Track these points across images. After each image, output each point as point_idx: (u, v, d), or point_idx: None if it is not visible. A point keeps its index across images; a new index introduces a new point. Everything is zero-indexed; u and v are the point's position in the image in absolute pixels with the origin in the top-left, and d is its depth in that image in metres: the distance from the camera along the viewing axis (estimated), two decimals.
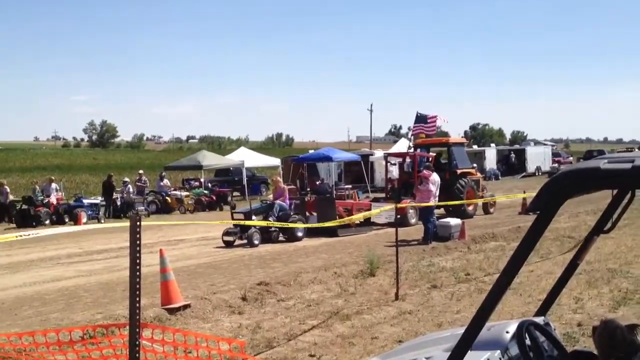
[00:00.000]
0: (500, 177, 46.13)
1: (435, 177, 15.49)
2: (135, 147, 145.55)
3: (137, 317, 3.12)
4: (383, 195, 22.44)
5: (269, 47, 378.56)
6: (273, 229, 15.54)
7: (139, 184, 28.36)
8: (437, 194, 15.56)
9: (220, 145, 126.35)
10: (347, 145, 71.61)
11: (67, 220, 22.70)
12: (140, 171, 30.97)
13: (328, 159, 30.07)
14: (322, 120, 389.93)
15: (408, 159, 22.02)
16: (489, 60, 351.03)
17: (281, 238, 15.95)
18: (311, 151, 39.71)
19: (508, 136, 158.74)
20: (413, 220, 18.13)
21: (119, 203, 25.33)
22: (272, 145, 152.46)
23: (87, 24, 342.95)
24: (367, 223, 17.57)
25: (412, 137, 23.92)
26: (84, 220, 22.28)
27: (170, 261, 9.16)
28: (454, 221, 15.42)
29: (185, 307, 8.35)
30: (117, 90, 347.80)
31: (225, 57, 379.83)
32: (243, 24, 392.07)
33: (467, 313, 7.96)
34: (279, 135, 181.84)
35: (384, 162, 23.73)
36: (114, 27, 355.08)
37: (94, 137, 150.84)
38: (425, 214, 14.87)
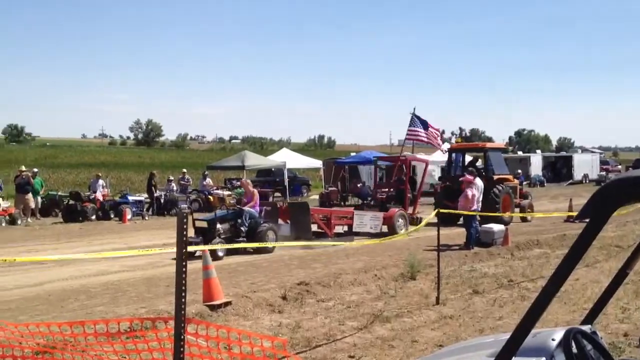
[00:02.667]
0: (545, 184, 45.35)
1: (478, 181, 15.29)
2: (179, 146, 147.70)
3: (183, 312, 3.17)
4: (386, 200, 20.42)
5: (312, 49, 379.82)
6: (241, 238, 14.13)
7: (183, 182, 28.80)
8: (481, 199, 15.36)
9: (263, 146, 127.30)
10: (388, 149, 71.28)
11: (112, 216, 23.19)
12: (184, 170, 31.47)
13: (369, 161, 30.02)
14: (364, 123, 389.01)
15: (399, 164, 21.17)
16: (535, 65, 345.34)
17: (249, 249, 14.12)
18: (353, 154, 39.71)
19: (554, 143, 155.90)
20: (402, 231, 16.91)
21: (162, 201, 25.76)
22: (314, 147, 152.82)
23: (132, 23, 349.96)
24: (349, 232, 16.59)
25: (405, 141, 22.11)
26: (129, 216, 22.71)
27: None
28: (497, 227, 15.20)
29: (226, 304, 8.44)
30: (162, 90, 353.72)
31: (269, 58, 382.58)
32: (288, 26, 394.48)
33: (509, 320, 7.84)
34: (321, 137, 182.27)
35: (426, 166, 23.24)
36: (160, 26, 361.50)
37: (140, 136, 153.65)
38: (467, 219, 14.70)
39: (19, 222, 21.58)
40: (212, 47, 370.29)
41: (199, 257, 12.26)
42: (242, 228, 14.32)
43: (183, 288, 3.23)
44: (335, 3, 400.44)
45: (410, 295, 9.50)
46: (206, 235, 13.78)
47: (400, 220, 17.59)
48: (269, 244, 13.41)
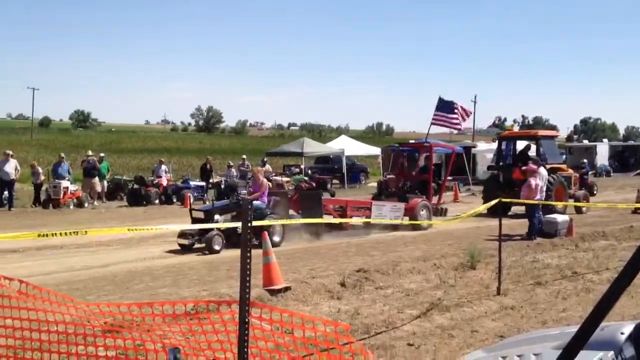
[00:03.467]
0: (612, 174, 43.92)
1: (542, 171, 14.93)
2: (238, 132, 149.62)
3: (247, 295, 3.22)
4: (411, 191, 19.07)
5: (370, 37, 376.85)
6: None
7: (242, 168, 29.20)
8: (545, 188, 15.00)
9: (321, 133, 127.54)
10: (448, 137, 70.29)
11: (174, 200, 23.76)
12: (244, 156, 31.90)
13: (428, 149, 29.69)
14: (423, 110, 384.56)
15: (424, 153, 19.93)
16: (601, 51, 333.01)
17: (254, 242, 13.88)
18: (412, 141, 39.39)
19: (622, 131, 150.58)
20: (425, 222, 15.88)
21: (222, 186, 26.19)
22: (372, 134, 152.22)
23: (195, 12, 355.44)
24: (366, 224, 15.53)
25: (430, 126, 20.88)
26: (191, 201, 23.20)
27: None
28: (560, 217, 14.83)
29: (286, 289, 8.54)
30: (223, 78, 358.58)
31: (326, 45, 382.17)
32: (348, 14, 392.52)
33: (573, 312, 7.66)
34: (379, 124, 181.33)
35: (486, 155, 22.65)
36: (221, 15, 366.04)
37: (201, 122, 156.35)
38: (530, 209, 14.36)
39: (86, 205, 22.34)
40: (271, 35, 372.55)
41: (198, 250, 12.50)
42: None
43: (248, 272, 3.28)
44: None
45: (470, 285, 9.38)
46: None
47: (423, 211, 16.51)
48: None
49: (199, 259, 11.90)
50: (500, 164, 20.75)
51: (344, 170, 33.34)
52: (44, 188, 22.72)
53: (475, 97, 72.78)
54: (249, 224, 3.37)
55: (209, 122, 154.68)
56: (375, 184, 31.58)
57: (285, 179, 28.58)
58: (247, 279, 3.29)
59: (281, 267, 9.17)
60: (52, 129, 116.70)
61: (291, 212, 15.10)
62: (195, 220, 12.82)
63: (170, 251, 12.75)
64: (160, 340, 3.61)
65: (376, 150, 36.74)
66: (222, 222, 12.62)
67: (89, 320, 4.74)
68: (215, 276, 10.06)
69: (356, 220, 15.08)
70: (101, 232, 8.96)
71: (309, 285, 8.88)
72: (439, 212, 17.55)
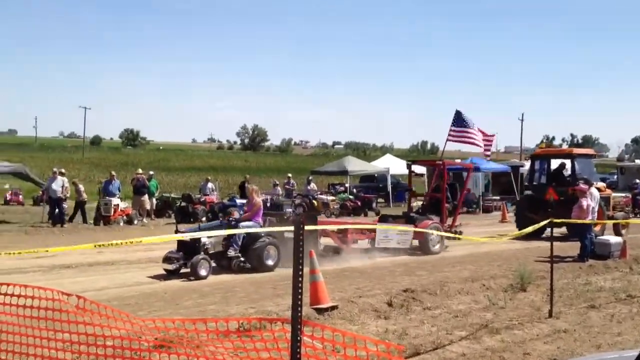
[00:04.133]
0: None
1: (594, 191, 14.61)
2: (283, 150, 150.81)
3: (299, 313, 3.24)
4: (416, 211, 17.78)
5: (414, 55, 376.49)
6: (232, 255, 12.32)
7: (287, 187, 29.38)
8: (597, 209, 14.64)
9: (365, 152, 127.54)
10: (495, 155, 69.40)
11: (221, 218, 24.00)
12: (289, 174, 32.09)
13: (475, 169, 29.37)
14: None
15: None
16: None
17: (247, 267, 12.51)
18: (457, 160, 39.02)
19: None
20: (436, 247, 15.19)
21: (268, 204, 26.37)
22: (417, 152, 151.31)
23: (240, 30, 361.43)
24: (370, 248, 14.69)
25: (446, 142, 18.65)
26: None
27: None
28: (614, 239, 14.46)
29: (333, 308, 8.53)
30: (268, 96, 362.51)
31: (372, 65, 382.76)
32: (393, 33, 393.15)
33: (629, 336, 7.45)
34: (424, 143, 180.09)
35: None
36: (265, 33, 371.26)
37: (246, 141, 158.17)
38: (581, 231, 14.03)
39: (136, 222, 22.76)
40: (318, 54, 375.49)
41: (184, 275, 11.51)
42: (233, 245, 12.38)
43: (300, 291, 3.31)
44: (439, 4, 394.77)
45: (521, 307, 9.20)
46: (189, 249, 11.73)
47: (433, 236, 14.97)
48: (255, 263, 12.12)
49: (244, 277, 11.97)
50: (534, 183, 20.17)
51: (389, 188, 33.22)
52: (92, 205, 23.26)
53: (523, 115, 71.95)
54: (300, 243, 3.39)
55: (254, 140, 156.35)
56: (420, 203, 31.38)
57: (330, 197, 28.67)
58: (299, 297, 3.31)
59: (327, 286, 9.16)
60: (103, 147, 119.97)
61: (287, 235, 12.85)
62: (180, 243, 11.88)
63: (219, 269, 12.83)
64: (214, 356, 3.65)
65: (421, 169, 36.50)
66: (210, 246, 12.04)
67: (141, 336, 4.84)
68: (262, 294, 10.11)
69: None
70: (153, 240, 9.18)
71: (355, 305, 8.85)
72: (454, 234, 15.40)
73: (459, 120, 18.07)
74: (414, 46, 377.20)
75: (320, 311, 8.34)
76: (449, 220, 16.55)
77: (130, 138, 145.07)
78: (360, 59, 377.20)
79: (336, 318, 8.23)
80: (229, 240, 12.28)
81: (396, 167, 35.09)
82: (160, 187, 28.57)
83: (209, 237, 11.89)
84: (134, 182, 24.96)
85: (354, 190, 31.68)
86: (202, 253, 11.73)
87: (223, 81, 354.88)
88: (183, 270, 11.76)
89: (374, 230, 14.57)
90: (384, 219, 17.10)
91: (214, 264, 12.12)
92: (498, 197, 31.69)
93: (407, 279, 11.45)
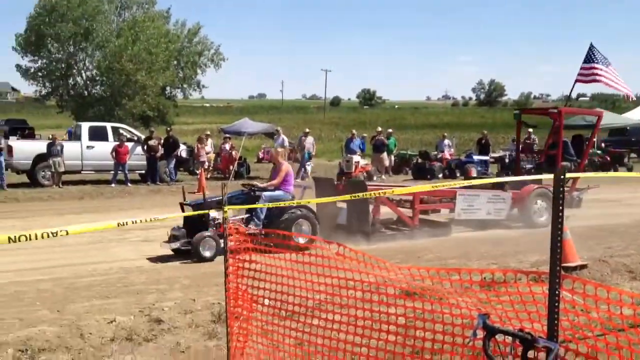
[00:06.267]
0: None
1: None
2: (522, 105, 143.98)
3: (558, 267, 3.13)
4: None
5: None
6: (255, 230, 9.65)
7: (528, 141, 28.08)
8: None
9: (614, 104, 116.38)
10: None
11: (457, 174, 23.89)
12: (530, 129, 30.60)
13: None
14: None
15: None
16: None
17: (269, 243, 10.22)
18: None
19: None
20: (543, 219, 12.26)
21: (507, 161, 25.58)
22: None
23: None
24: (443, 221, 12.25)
25: (575, 83, 15.62)
26: (474, 174, 23.10)
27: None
28: None
29: (582, 267, 8.10)
30: (507, 50, 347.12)
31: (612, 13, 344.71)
32: None
33: None
34: None
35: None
36: None
37: (482, 96, 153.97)
38: None
39: (374, 178, 23.56)
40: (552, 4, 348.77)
41: (186, 252, 9.67)
42: (255, 219, 10.17)
43: (559, 245, 3.19)
44: None
45: None
46: (195, 225, 9.72)
47: (539, 202, 12.59)
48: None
49: (477, 234, 11.78)
50: None
51: None
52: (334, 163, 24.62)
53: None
54: (561, 195, 3.25)
55: (490, 95, 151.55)
56: None
57: None
58: (558, 249, 3.20)
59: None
60: (342, 108, 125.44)
61: (339, 204, 11.63)
62: (186, 218, 10.08)
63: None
64: (467, 307, 3.67)
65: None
66: (219, 219, 9.58)
67: (387, 285, 5.05)
68: (502, 251, 9.93)
69: None
70: (404, 191, 9.31)
71: (607, 264, 8.31)
72: (571, 202, 13.06)
73: (592, 57, 15.40)
74: None
75: (567, 270, 7.95)
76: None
77: (367, 98, 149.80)
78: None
79: (585, 277, 7.78)
80: (250, 213, 10.18)
81: None
82: (398, 145, 29.15)
83: (218, 209, 8.71)
84: (373, 141, 25.79)
85: (602, 144, 29.24)
86: (205, 231, 9.65)
87: (460, 37, 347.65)
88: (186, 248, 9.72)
89: (453, 199, 12.03)
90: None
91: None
92: None
93: None
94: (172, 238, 9.79)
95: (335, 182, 12.67)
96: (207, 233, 9.59)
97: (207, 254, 9.51)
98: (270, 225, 9.91)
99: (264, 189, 10.35)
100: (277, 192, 10.32)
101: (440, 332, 3.75)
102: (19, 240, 3.65)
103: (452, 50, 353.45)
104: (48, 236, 3.73)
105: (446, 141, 26.98)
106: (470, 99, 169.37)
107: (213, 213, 9.49)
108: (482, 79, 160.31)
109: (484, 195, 12.18)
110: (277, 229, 8.93)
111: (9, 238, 3.65)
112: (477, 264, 8.74)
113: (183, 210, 9.87)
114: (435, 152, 26.23)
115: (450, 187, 11.60)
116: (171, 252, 9.81)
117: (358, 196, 7.14)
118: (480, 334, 2.95)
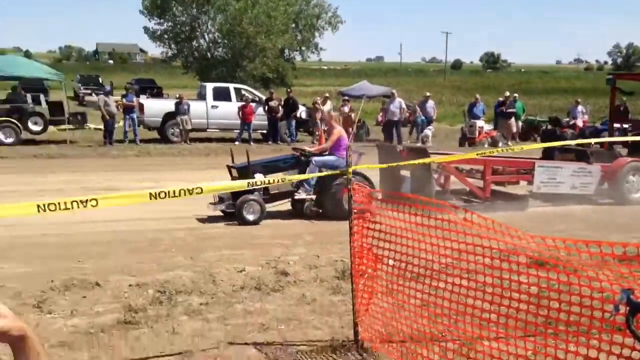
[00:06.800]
0: None
1: None
2: None
3: None
4: None
5: None
6: (304, 195, 9.74)
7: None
8: None
9: None
10: None
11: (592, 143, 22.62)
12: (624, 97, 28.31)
13: None
14: None
15: None
16: None
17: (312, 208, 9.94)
18: None
19: None
20: (638, 195, 11.33)
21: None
22: None
23: None
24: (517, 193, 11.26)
25: None
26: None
27: None
28: None
29: None
30: None
31: None
32: None
33: None
34: None
35: None
36: None
37: (619, 60, 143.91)
38: None
39: (500, 144, 22.77)
40: None
41: (231, 213, 9.41)
42: (305, 184, 9.82)
43: None
44: None
45: None
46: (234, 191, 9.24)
47: (632, 176, 11.52)
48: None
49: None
50: None
51: None
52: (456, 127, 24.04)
53: None
54: None
55: (628, 59, 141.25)
56: None
57: None
58: None
59: None
60: (464, 71, 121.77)
61: (403, 173, 10.87)
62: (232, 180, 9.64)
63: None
64: (608, 280, 3.47)
65: None
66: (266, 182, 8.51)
67: (520, 252, 4.87)
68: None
69: None
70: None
71: None
72: None
73: None
74: None
75: None
76: None
77: (491, 61, 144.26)
78: None
79: None
80: (296, 185, 9.93)
81: None
82: (526, 110, 27.96)
83: (264, 172, 9.50)
84: (504, 107, 24.88)
85: None
86: (249, 195, 9.32)
87: None
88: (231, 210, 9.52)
89: (530, 171, 11.12)
90: (549, 153, 12.39)
91: (272, 207, 9.82)
92: None
93: None
94: (218, 200, 9.61)
95: (399, 149, 11.99)
96: (251, 196, 9.34)
97: (250, 217, 9.34)
98: (321, 191, 9.77)
99: (315, 154, 10.00)
100: (329, 157, 9.88)
101: (577, 305, 3.57)
102: (50, 210, 4.15)
103: (586, 9, 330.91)
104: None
105: (580, 107, 25.47)
106: (606, 62, 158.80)
107: (258, 176, 9.12)
108: (619, 42, 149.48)
109: (568, 167, 11.31)
110: (326, 196, 9.55)
111: (38, 206, 4.11)
112: (616, 237, 8.27)
113: (231, 173, 9.78)
114: (567, 119, 24.87)
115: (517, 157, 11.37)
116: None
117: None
118: (623, 309, 2.80)
